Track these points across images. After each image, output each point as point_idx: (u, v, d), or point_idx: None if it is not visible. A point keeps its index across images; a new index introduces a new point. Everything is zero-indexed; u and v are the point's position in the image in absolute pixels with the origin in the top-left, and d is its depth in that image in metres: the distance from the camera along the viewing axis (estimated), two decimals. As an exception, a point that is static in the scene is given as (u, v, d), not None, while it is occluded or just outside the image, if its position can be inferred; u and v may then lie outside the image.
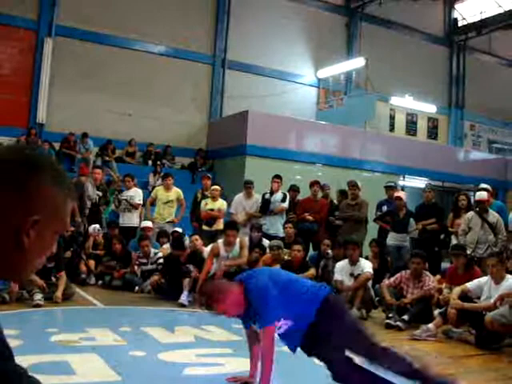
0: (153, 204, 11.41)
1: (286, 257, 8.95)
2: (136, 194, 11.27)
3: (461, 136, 23.35)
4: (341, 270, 8.30)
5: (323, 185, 11.84)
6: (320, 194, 11.49)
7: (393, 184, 11.71)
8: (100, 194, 11.29)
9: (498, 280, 6.71)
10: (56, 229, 1.26)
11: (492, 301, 6.45)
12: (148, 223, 10.67)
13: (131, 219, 11.18)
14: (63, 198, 1.25)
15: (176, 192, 11.23)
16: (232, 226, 8.91)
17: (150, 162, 16.11)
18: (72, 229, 9.77)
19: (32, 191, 1.19)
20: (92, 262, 9.93)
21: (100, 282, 9.59)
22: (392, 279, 7.92)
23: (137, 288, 9.11)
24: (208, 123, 18.06)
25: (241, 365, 4.88)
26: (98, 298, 8.25)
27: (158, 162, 15.66)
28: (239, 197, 11.10)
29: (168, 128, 16.87)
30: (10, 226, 1.17)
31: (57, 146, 15.06)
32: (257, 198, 11.03)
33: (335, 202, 11.64)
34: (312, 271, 8.47)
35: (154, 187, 13.59)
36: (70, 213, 1.29)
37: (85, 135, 15.32)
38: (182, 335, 6.07)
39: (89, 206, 11.15)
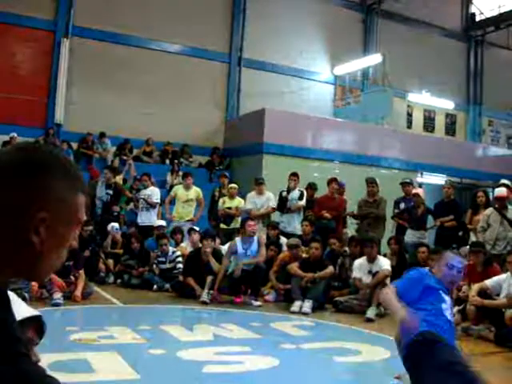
0: (172, 203, 11.45)
1: (303, 255, 8.95)
2: (153, 193, 11.31)
3: (479, 132, 23.13)
4: (359, 267, 8.28)
5: (339, 183, 11.82)
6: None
7: (409, 180, 11.63)
8: (111, 192, 11.34)
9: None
10: (71, 224, 1.24)
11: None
12: (162, 222, 10.73)
13: (149, 218, 11.21)
14: (74, 193, 1.23)
15: (195, 191, 11.25)
16: (251, 218, 8.99)
17: (167, 161, 16.15)
18: (90, 228, 9.84)
19: (39, 188, 1.18)
20: (111, 261, 10.00)
21: (119, 280, 9.64)
22: (410, 276, 7.88)
23: (155, 286, 9.16)
24: (225, 121, 18.05)
25: (260, 362, 4.90)
26: (116, 296, 8.31)
27: (176, 161, 15.67)
28: (251, 194, 11.09)
29: (185, 127, 16.87)
30: (18, 225, 1.16)
31: (75, 145, 15.16)
32: (269, 195, 11.01)
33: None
34: (330, 269, 8.45)
35: (171, 186, 13.64)
36: (83, 207, 1.26)
37: (102, 135, 15.41)
38: (201, 333, 6.10)
39: (99, 205, 11.21)
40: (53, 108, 15.65)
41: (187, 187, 11.23)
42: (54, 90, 15.66)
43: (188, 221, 11.02)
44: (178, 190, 11.33)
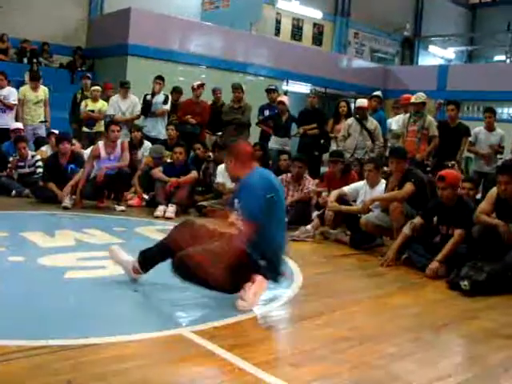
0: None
1: (168, 160, 8.91)
2: (10, 94, 10.65)
3: (345, 44, 23.57)
4: (222, 172, 8.38)
5: (214, 88, 11.70)
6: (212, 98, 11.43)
7: (274, 87, 11.73)
8: None
9: (373, 184, 7.03)
10: None
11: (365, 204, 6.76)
12: (19, 125, 10.21)
13: (5, 120, 10.60)
14: None
15: (43, 90, 10.76)
16: (115, 122, 8.74)
17: (25, 60, 15.24)
18: None
19: None
20: (-36, 166, 9.44)
21: (-27, 186, 9.17)
22: (273, 182, 8.08)
23: (14, 192, 8.80)
24: (88, 20, 17.17)
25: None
26: (-29, 202, 7.93)
27: (35, 60, 14.82)
28: (115, 97, 10.78)
29: (44, 23, 15.84)
30: None
31: None
32: (133, 98, 10.76)
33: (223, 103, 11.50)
34: (194, 174, 8.49)
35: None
36: None
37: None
38: (63, 239, 5.98)
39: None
40: None
41: (35, 88, 10.70)
42: None
43: (41, 122, 10.57)
44: (27, 92, 10.74)
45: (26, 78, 13.89)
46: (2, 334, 3.18)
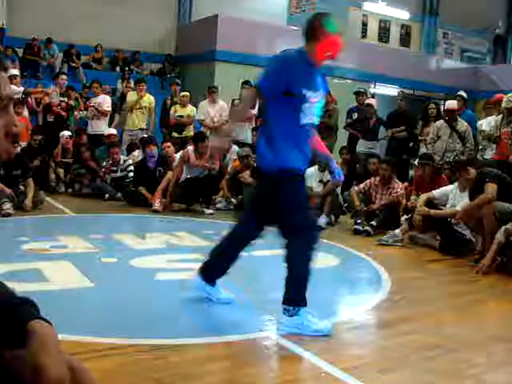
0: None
1: (255, 163, 8.96)
2: (104, 101, 11.04)
3: (433, 44, 23.05)
4: (310, 176, 8.35)
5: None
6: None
7: (362, 90, 11.62)
8: (66, 100, 11.02)
9: (463, 188, 6.83)
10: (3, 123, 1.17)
11: (458, 208, 6.59)
12: (113, 131, 10.55)
13: (99, 126, 10.99)
14: None
15: (148, 98, 11.05)
16: (201, 138, 8.74)
17: (117, 69, 15.76)
18: (39, 137, 9.60)
19: None
20: (61, 171, 9.85)
21: (70, 190, 9.56)
22: (361, 185, 8.02)
23: (107, 195, 9.12)
24: (177, 28, 17.58)
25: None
26: (68, 206, 8.23)
27: (127, 68, 15.31)
28: (204, 103, 10.94)
29: (135, 33, 16.34)
30: None
31: (20, 52, 14.57)
32: (221, 103, 10.90)
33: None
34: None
35: (122, 94, 13.34)
36: (10, 103, 1.18)
37: (49, 41, 14.85)
38: (154, 241, 6.14)
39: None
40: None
41: (140, 94, 11.03)
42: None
43: (141, 129, 10.88)
44: (132, 97, 11.10)
45: (119, 85, 14.39)
46: (95, 332, 3.29)
